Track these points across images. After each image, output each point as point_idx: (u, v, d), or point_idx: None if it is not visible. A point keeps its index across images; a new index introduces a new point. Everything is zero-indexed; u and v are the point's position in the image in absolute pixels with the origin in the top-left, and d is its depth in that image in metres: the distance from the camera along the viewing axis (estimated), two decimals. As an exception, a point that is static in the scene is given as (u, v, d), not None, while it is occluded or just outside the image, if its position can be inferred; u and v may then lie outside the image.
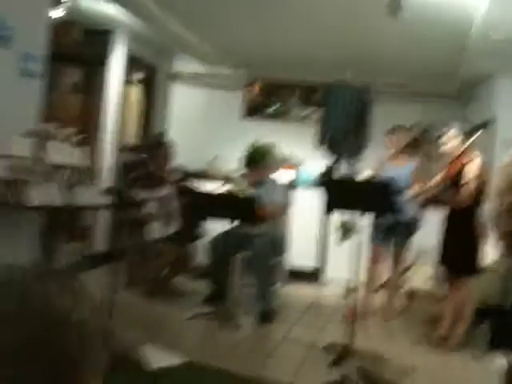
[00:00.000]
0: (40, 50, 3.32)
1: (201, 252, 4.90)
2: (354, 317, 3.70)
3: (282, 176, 5.58)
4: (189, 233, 4.97)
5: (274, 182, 5.01)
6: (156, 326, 3.90)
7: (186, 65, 6.75)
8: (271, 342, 3.94)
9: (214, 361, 3.30)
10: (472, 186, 3.95)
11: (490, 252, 4.63)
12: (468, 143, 4.05)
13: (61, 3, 4.43)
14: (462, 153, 4.00)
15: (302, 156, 6.56)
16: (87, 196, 3.76)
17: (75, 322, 0.62)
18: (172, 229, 4.79)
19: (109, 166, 5.82)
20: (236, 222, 4.64)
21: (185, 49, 6.20)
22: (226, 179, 4.89)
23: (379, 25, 4.60)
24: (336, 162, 6.47)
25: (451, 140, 4.07)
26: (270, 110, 7.11)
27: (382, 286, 5.28)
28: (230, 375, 3.14)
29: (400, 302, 5.12)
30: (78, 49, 5.83)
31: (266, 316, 4.39)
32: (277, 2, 4.43)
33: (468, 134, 4.07)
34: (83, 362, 0.62)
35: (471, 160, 4.00)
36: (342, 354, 3.55)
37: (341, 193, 3.89)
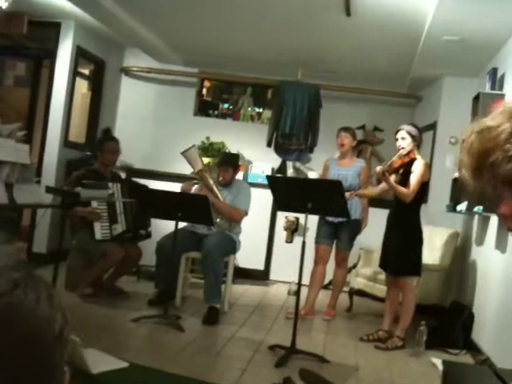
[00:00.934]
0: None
1: (148, 252, 4.83)
2: (297, 317, 3.74)
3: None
4: (136, 232, 4.89)
5: (242, 183, 5.02)
6: (99, 329, 3.83)
7: (137, 60, 6.63)
8: (218, 344, 3.93)
9: (160, 364, 3.27)
10: (416, 185, 4.06)
11: (428, 252, 4.78)
12: (415, 144, 4.15)
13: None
14: (409, 153, 4.09)
15: (252, 155, 6.57)
16: (29, 194, 3.65)
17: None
18: (118, 228, 4.70)
19: (53, 163, 5.66)
20: (187, 222, 4.59)
21: (137, 44, 6.08)
22: (204, 167, 4.74)
23: (331, 25, 4.64)
24: (285, 161, 6.52)
25: (399, 141, 4.16)
26: (222, 107, 7.09)
27: (326, 285, 5.36)
28: (175, 378, 3.12)
29: (343, 302, 5.21)
30: (25, 41, 5.65)
31: (214, 316, 4.38)
32: (229, 1, 4.42)
33: (416, 135, 4.17)
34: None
35: (417, 159, 4.10)
36: (285, 355, 3.59)
37: (287, 192, 3.92)
